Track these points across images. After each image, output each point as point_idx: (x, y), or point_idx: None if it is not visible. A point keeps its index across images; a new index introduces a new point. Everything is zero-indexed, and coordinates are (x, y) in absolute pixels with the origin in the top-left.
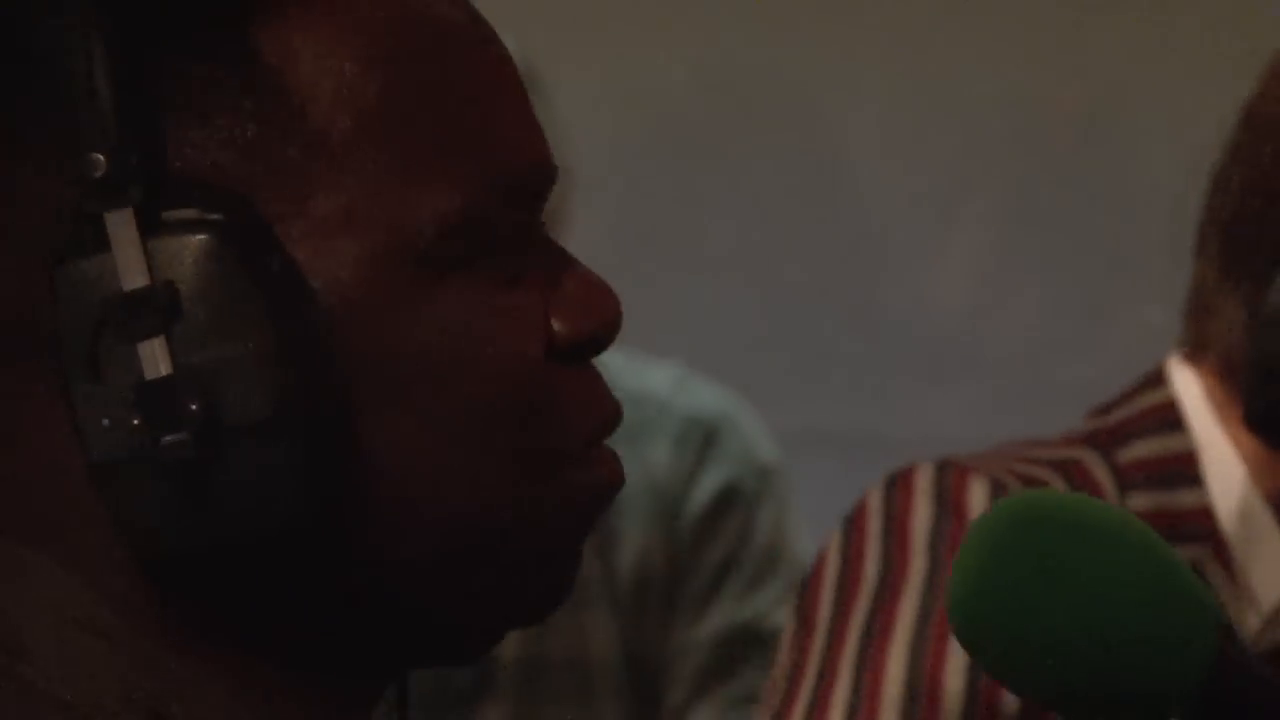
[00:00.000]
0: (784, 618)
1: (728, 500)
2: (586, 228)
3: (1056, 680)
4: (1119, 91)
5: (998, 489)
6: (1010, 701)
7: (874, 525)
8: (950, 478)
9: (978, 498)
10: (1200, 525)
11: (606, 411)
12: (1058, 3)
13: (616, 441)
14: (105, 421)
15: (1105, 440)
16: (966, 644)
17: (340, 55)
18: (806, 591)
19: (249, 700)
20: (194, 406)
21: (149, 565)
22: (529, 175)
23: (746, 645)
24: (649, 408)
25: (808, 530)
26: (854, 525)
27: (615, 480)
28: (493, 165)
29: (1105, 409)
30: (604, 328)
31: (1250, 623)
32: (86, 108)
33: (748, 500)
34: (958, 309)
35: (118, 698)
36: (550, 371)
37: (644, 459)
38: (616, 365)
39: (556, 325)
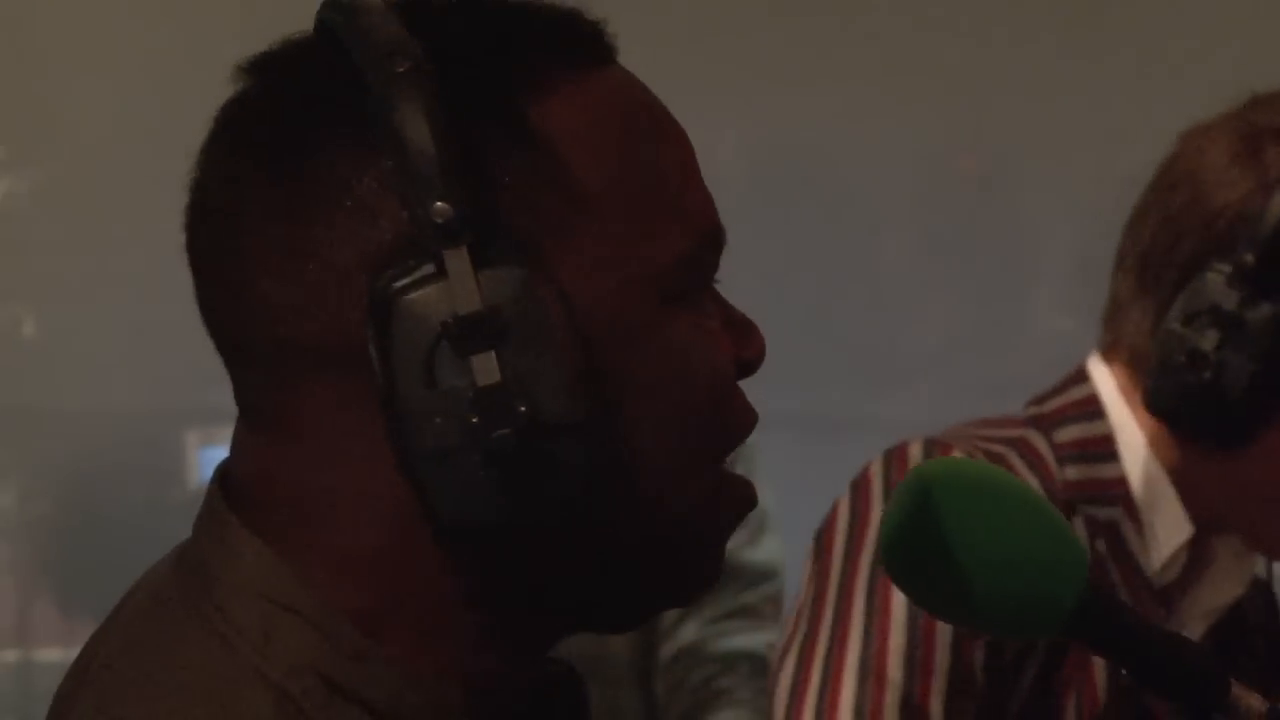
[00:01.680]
0: (759, 554)
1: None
2: None
3: (966, 605)
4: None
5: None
6: None
7: (876, 487)
8: (936, 451)
9: None
10: (1117, 491)
11: (750, 421)
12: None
13: None
14: (438, 420)
15: (1044, 423)
16: (895, 579)
17: (593, 132)
18: (822, 539)
19: (431, 658)
20: (522, 409)
21: (450, 533)
22: (713, 231)
23: (727, 575)
24: None
25: (781, 487)
26: (860, 488)
27: (753, 494)
28: (699, 219)
29: (1041, 399)
30: (761, 354)
31: (1154, 564)
32: (434, 171)
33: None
34: (914, 323)
35: (304, 666)
36: (735, 384)
37: None
38: None
39: (740, 349)
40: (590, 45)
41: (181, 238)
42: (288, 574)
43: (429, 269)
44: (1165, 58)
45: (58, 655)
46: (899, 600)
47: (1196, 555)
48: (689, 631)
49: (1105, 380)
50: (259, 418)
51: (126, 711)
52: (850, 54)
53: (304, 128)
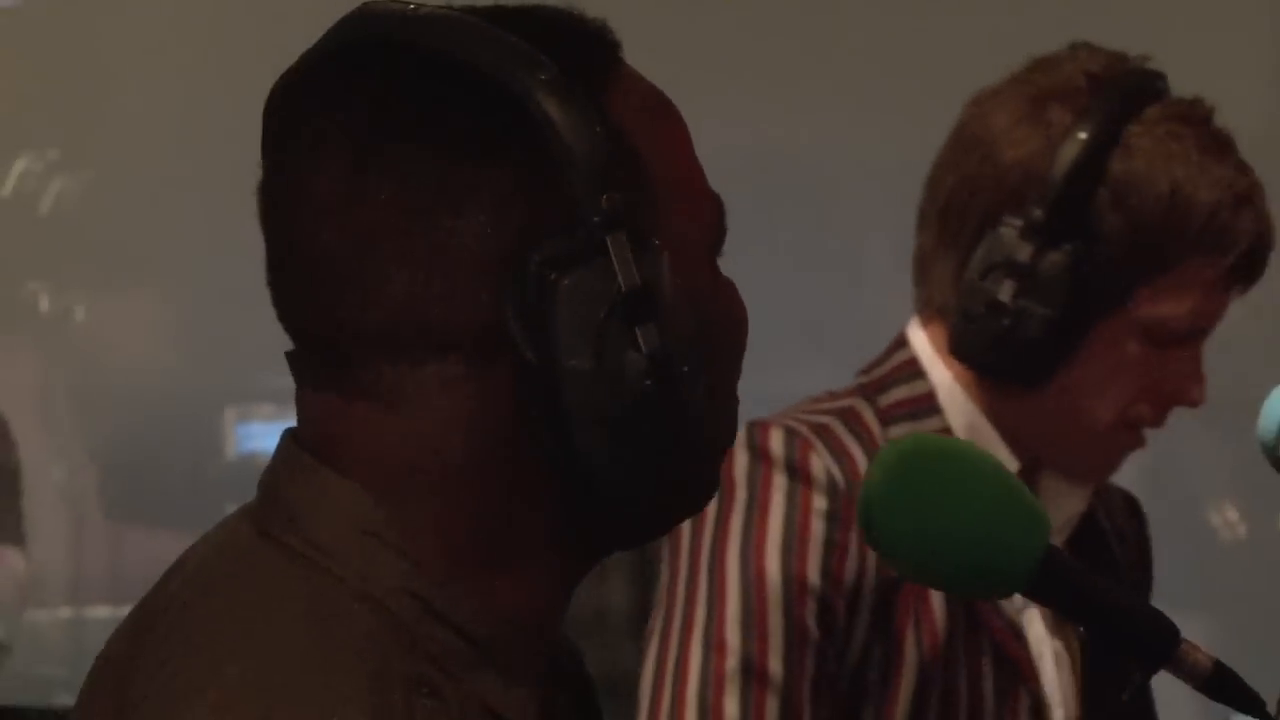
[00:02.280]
0: None
1: None
2: None
3: (938, 569)
4: None
5: (790, 435)
6: (814, 575)
7: (738, 462)
8: (756, 432)
9: (777, 443)
10: None
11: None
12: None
13: None
14: (609, 388)
15: (870, 390)
16: (873, 544)
17: (643, 121)
18: (671, 531)
19: (505, 593)
20: (685, 369)
21: (603, 498)
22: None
23: None
24: None
25: None
26: None
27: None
28: (714, 192)
29: (868, 369)
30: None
31: None
32: (602, 168)
33: None
34: (896, 318)
35: (399, 590)
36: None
37: None
38: None
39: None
40: (607, 43)
41: (222, 233)
42: (381, 513)
43: (583, 254)
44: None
45: (107, 612)
46: (734, 571)
47: (1029, 487)
48: None
49: (922, 342)
50: (352, 391)
51: (225, 640)
52: (837, 63)
53: (426, 133)
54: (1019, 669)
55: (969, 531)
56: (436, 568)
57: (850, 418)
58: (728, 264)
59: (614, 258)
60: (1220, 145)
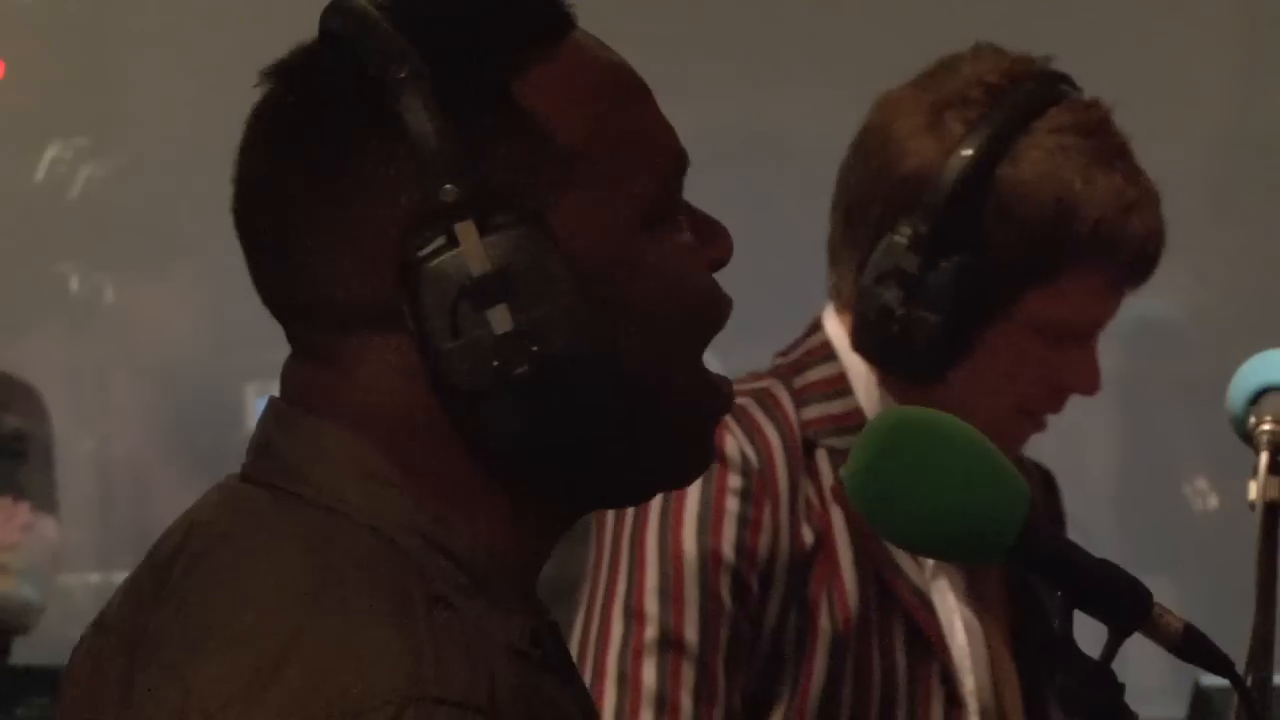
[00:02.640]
0: None
1: None
2: None
3: (923, 535)
4: None
5: None
6: (728, 551)
7: None
8: None
9: None
10: (855, 420)
11: (727, 305)
12: None
13: None
14: (467, 366)
15: (786, 373)
16: (862, 510)
17: (568, 97)
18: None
19: (489, 534)
20: (535, 349)
21: (492, 456)
22: (679, 158)
23: None
24: None
25: None
26: None
27: (730, 387)
28: (665, 153)
29: (785, 352)
30: (729, 250)
31: None
32: (439, 159)
33: None
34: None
35: (404, 526)
36: (714, 284)
37: None
38: None
39: (711, 252)
40: (552, 19)
41: None
42: (372, 454)
43: (443, 241)
44: (1107, 61)
45: None
46: (652, 546)
47: None
48: None
49: (835, 328)
50: (316, 358)
51: (246, 579)
52: (823, 50)
53: (337, 129)
54: (928, 637)
55: (955, 499)
56: (429, 503)
57: (766, 398)
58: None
59: (462, 245)
60: (1111, 153)
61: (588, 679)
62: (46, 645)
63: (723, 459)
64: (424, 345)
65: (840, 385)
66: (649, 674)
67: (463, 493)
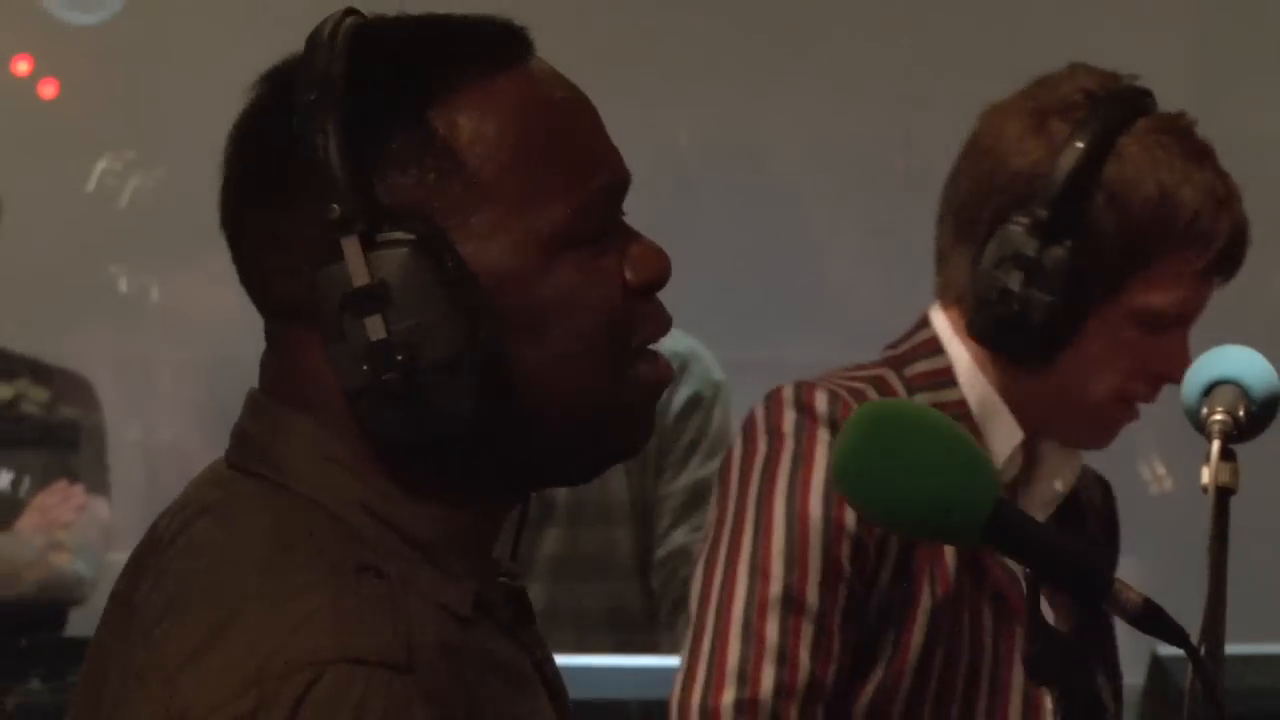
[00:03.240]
0: None
1: (694, 404)
2: None
3: (903, 515)
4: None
5: (833, 396)
6: (850, 520)
7: (760, 426)
8: (803, 392)
9: (822, 402)
10: (960, 410)
11: (661, 325)
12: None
13: None
14: (348, 367)
15: (897, 363)
16: (846, 493)
17: (486, 125)
18: (722, 472)
19: (431, 510)
20: (399, 357)
21: (381, 449)
22: (609, 186)
23: (705, 493)
24: None
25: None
26: (747, 427)
27: (664, 374)
28: (586, 184)
29: (895, 344)
30: (659, 274)
31: (996, 465)
32: (329, 177)
33: (706, 404)
34: (853, 292)
35: (352, 503)
36: (627, 303)
37: None
38: None
39: (629, 275)
40: (500, 49)
41: None
42: (327, 437)
43: (335, 252)
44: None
45: None
46: (779, 512)
47: (1029, 456)
48: (679, 535)
49: (942, 323)
50: (274, 349)
51: (206, 558)
52: (799, 65)
53: (267, 144)
54: (1013, 615)
55: (931, 484)
56: (375, 481)
57: (881, 385)
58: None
59: (346, 258)
60: (1201, 153)
61: (710, 625)
62: (97, 618)
63: None
64: (323, 348)
65: (946, 377)
66: (772, 629)
67: (401, 472)
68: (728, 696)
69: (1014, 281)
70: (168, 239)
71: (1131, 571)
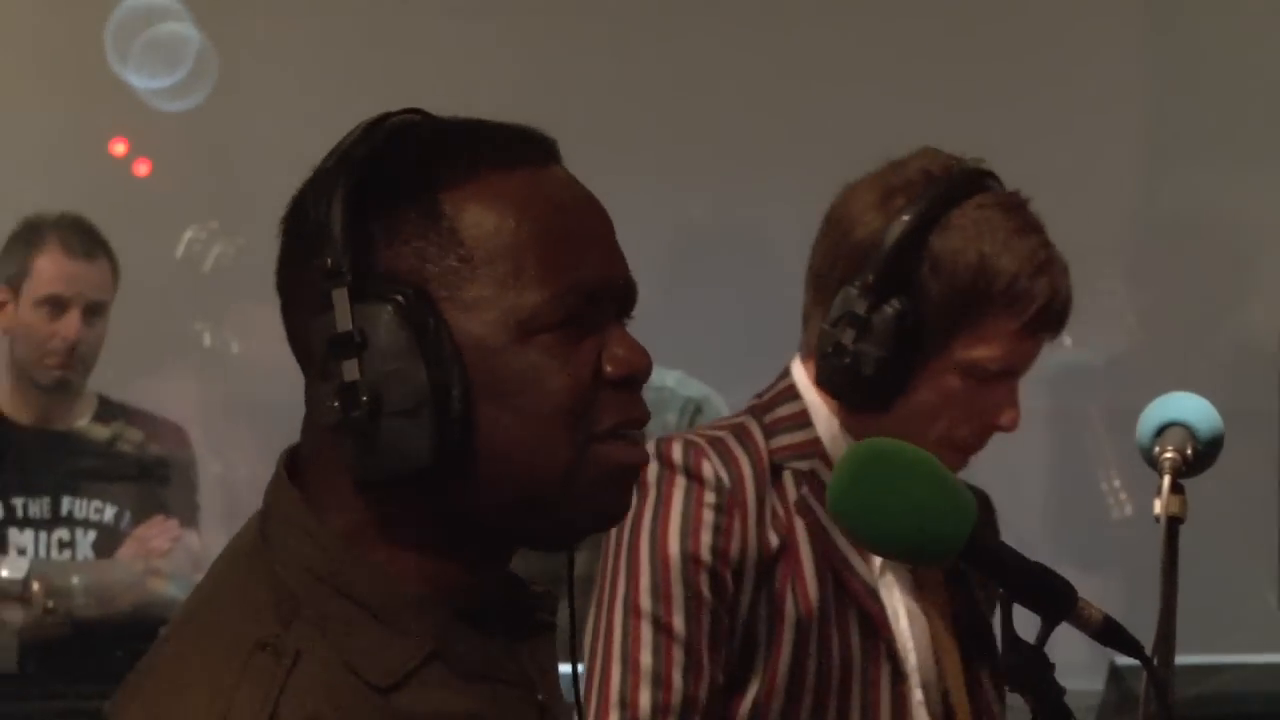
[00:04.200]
0: None
1: None
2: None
3: (892, 540)
4: None
5: (688, 445)
6: (706, 554)
7: (648, 470)
8: (663, 445)
9: (677, 453)
10: (815, 448)
11: (633, 415)
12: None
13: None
14: (325, 404)
15: (759, 410)
16: (844, 524)
17: (489, 214)
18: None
19: (403, 564)
20: (364, 398)
21: (363, 484)
22: (592, 284)
23: None
24: (665, 393)
25: None
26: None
27: (633, 457)
28: (565, 278)
29: (760, 394)
30: (633, 370)
31: None
32: (329, 237)
33: None
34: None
35: (300, 570)
36: (595, 391)
37: (663, 421)
38: (659, 377)
39: (606, 367)
40: (521, 152)
41: None
42: (302, 506)
43: (327, 302)
44: (1033, 157)
45: None
46: (644, 554)
47: None
48: None
49: (800, 373)
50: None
51: (193, 600)
52: (794, 154)
53: (299, 212)
54: (875, 623)
55: (917, 514)
56: (332, 545)
57: (740, 432)
58: (719, 301)
59: (334, 307)
60: (1025, 226)
61: (599, 665)
62: None
63: (700, 480)
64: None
65: (802, 419)
66: (645, 656)
67: (366, 533)
68: (612, 718)
69: (847, 338)
70: (245, 299)
71: (1093, 590)
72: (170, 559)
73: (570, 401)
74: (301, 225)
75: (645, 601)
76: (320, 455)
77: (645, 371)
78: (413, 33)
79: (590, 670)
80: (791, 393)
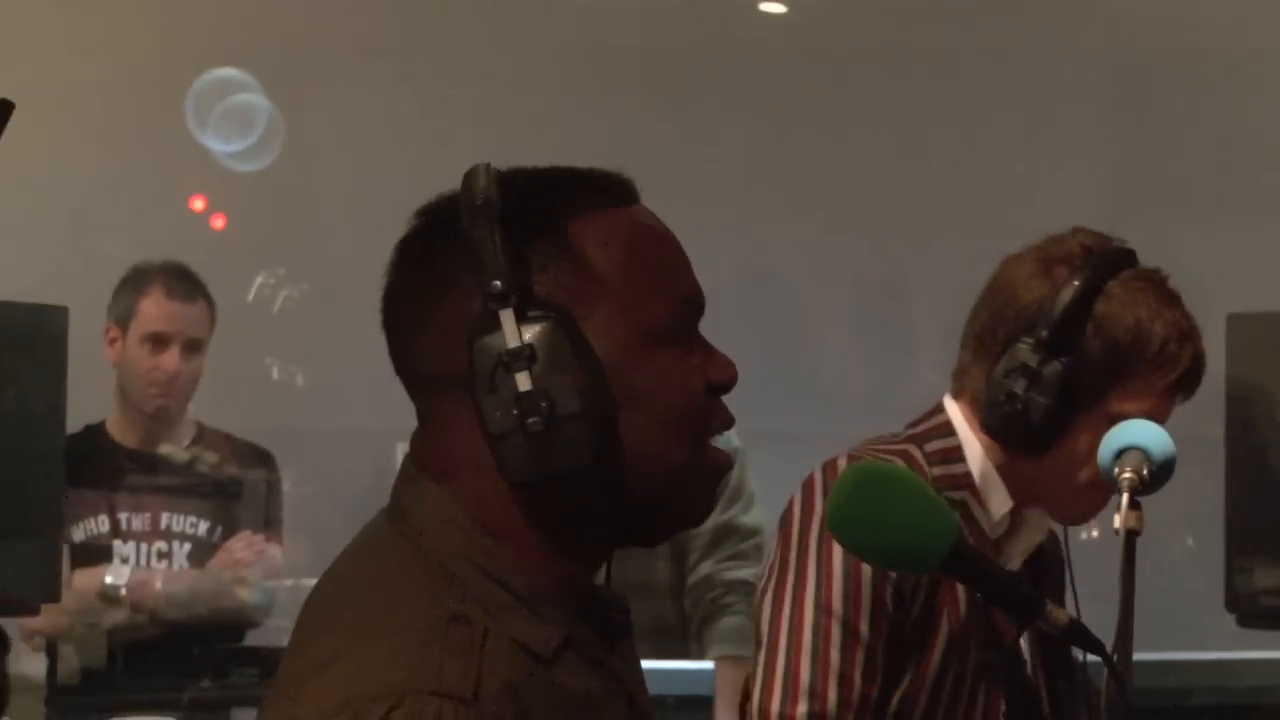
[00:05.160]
0: (748, 519)
1: None
2: None
3: (883, 553)
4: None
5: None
6: (893, 574)
7: (817, 486)
8: (852, 461)
9: None
10: (966, 481)
11: (727, 419)
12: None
13: None
14: (498, 414)
15: (917, 440)
16: (838, 538)
17: (611, 242)
18: (784, 521)
19: (531, 564)
20: (544, 404)
21: (514, 485)
22: (696, 298)
23: (728, 532)
24: None
25: (762, 477)
26: (807, 487)
27: (728, 461)
28: (679, 293)
29: (915, 424)
30: (732, 378)
31: (991, 524)
32: (495, 264)
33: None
34: (844, 376)
35: (463, 559)
36: (705, 397)
37: None
38: None
39: (712, 374)
40: (620, 192)
41: None
42: (451, 504)
43: (491, 323)
44: (1004, 201)
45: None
46: (837, 559)
47: (1015, 518)
48: (706, 567)
49: (955, 411)
50: (422, 422)
51: (346, 598)
52: (802, 205)
53: (426, 248)
54: (1007, 642)
55: (905, 528)
56: (481, 539)
57: (907, 457)
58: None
59: (502, 326)
60: (1171, 297)
61: (783, 646)
62: (275, 635)
63: None
64: (475, 398)
65: (957, 455)
66: (835, 654)
67: (510, 533)
68: (801, 708)
69: (1019, 386)
70: (310, 338)
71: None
72: (254, 569)
73: (692, 406)
74: (428, 260)
75: (838, 605)
76: (467, 459)
77: (737, 379)
78: (455, 101)
79: (772, 654)
80: (947, 429)
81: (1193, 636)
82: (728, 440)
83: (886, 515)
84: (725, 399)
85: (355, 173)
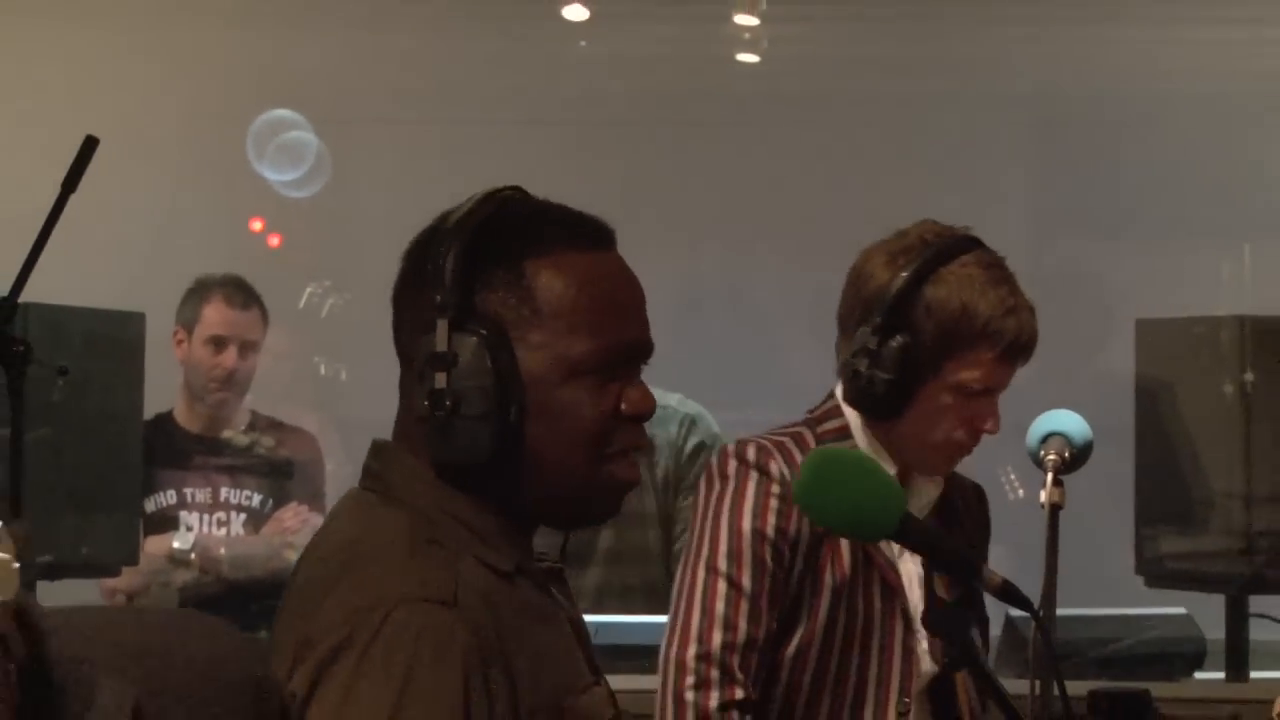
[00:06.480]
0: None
1: (700, 448)
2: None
3: (841, 522)
4: None
5: (760, 448)
6: (771, 531)
7: (715, 470)
8: (740, 447)
9: (751, 453)
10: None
11: (637, 443)
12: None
13: (654, 426)
14: (419, 402)
15: (812, 423)
16: (802, 507)
17: (558, 280)
18: (694, 500)
19: (483, 509)
20: (448, 402)
21: (432, 462)
22: (627, 344)
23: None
24: (669, 410)
25: None
26: (708, 471)
27: (630, 475)
28: (612, 335)
29: (813, 410)
30: (642, 411)
31: None
32: (439, 279)
33: (708, 449)
34: (798, 372)
35: (428, 504)
36: (614, 421)
37: (667, 430)
38: (664, 398)
39: (623, 406)
40: (591, 237)
41: None
42: (414, 462)
43: (432, 326)
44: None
45: None
46: (724, 528)
47: (903, 479)
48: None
49: (839, 393)
50: (401, 395)
51: (345, 543)
52: (769, 225)
53: (415, 261)
54: (893, 589)
55: (858, 502)
56: (445, 491)
57: (799, 439)
58: (712, 346)
59: (435, 332)
60: (999, 278)
61: (682, 607)
62: None
63: (769, 475)
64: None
65: (845, 431)
66: (720, 605)
67: (462, 486)
68: (691, 650)
69: (863, 365)
70: (353, 340)
71: (998, 555)
72: (300, 536)
73: (594, 428)
74: (421, 263)
75: (722, 563)
76: (411, 437)
77: (650, 413)
78: (474, 138)
79: (675, 613)
80: (836, 411)
81: (1107, 595)
82: (709, 428)
83: (844, 490)
84: (722, 392)
85: (390, 198)
